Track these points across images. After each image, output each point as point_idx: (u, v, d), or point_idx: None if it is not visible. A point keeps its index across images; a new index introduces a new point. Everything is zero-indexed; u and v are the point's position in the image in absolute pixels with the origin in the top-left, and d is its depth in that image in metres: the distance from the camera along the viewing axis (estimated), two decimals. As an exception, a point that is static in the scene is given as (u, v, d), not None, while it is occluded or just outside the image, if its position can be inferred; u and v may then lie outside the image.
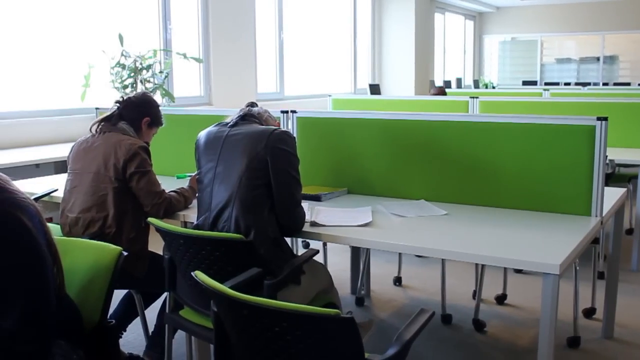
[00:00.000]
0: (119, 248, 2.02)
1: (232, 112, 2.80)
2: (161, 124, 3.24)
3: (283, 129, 2.62)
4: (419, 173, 3.30)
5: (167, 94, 6.14)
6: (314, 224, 2.68)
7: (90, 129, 3.05)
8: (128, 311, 3.23)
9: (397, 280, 4.55)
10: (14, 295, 1.66)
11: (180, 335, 3.12)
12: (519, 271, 4.63)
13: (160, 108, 3.25)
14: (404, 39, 11.48)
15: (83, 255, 2.06)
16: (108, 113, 3.08)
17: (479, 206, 3.10)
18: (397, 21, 11.51)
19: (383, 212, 2.96)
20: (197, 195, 2.69)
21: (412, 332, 1.77)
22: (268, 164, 2.48)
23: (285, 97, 8.90)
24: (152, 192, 2.90)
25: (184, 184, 3.18)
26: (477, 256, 2.36)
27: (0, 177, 1.78)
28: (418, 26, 11.57)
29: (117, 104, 3.11)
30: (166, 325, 2.80)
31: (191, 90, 7.34)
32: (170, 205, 2.93)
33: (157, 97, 6.07)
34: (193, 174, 3.17)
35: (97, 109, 4.77)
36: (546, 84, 14.19)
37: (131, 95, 3.21)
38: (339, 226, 2.66)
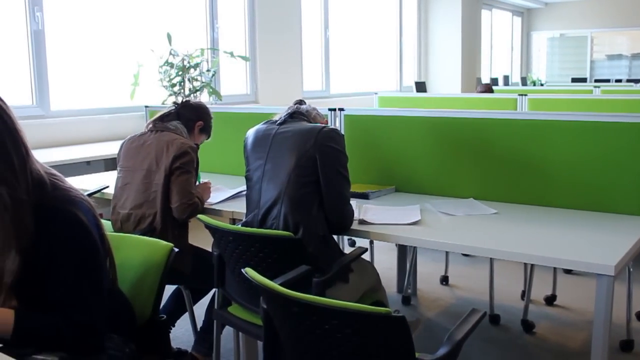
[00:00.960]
0: (170, 244, 2.04)
1: (278, 110, 2.81)
2: (209, 135, 3.32)
3: (332, 127, 2.61)
4: (467, 171, 3.26)
5: (214, 92, 6.20)
6: (362, 221, 2.67)
7: (146, 126, 3.12)
8: (177, 307, 3.26)
9: (444, 280, 4.51)
10: (69, 289, 1.70)
11: (227, 331, 3.15)
12: (568, 272, 4.54)
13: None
14: (450, 36, 11.37)
15: (135, 251, 2.09)
16: (165, 111, 3.14)
17: (530, 205, 3.04)
18: (444, 18, 11.41)
19: (431, 210, 2.93)
20: (246, 192, 2.70)
21: (464, 332, 1.75)
22: (317, 162, 2.47)
23: (330, 95, 8.90)
24: (186, 192, 2.92)
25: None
26: (528, 256, 2.31)
27: (55, 175, 1.81)
28: (465, 23, 11.45)
29: (175, 104, 3.18)
30: (215, 321, 2.82)
31: (238, 89, 7.40)
32: (196, 210, 2.95)
33: (205, 96, 6.14)
34: (205, 181, 3.24)
35: (146, 107, 4.85)
36: (596, 81, 13.88)
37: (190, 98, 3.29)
38: (387, 224, 2.65)
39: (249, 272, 1.80)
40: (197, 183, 3.20)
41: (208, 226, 2.54)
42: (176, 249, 2.03)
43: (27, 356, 1.62)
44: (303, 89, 8.16)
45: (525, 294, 3.88)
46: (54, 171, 1.82)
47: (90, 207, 1.80)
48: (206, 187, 3.18)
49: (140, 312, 2.01)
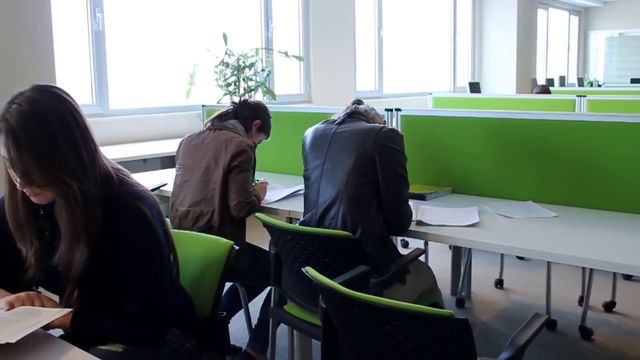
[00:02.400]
0: (231, 242, 2.06)
1: (332, 110, 2.81)
2: (268, 134, 3.34)
3: (390, 127, 2.60)
4: (526, 173, 3.20)
5: (269, 92, 6.23)
6: (419, 222, 2.65)
7: (205, 125, 3.16)
8: (232, 304, 3.30)
9: (499, 283, 4.44)
10: (134, 281, 1.73)
11: (281, 329, 3.16)
12: (628, 277, 4.43)
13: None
14: (505, 36, 11.20)
15: (195, 248, 2.12)
16: (223, 110, 3.18)
17: (590, 209, 2.97)
18: (499, 17, 11.24)
19: (489, 212, 2.89)
20: (304, 192, 2.71)
21: (527, 336, 1.72)
22: (375, 162, 2.47)
23: (383, 95, 8.86)
24: (244, 190, 2.95)
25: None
26: (587, 260, 2.27)
27: (121, 170, 1.86)
28: (520, 22, 11.26)
29: (234, 104, 3.22)
30: (270, 319, 2.83)
31: (291, 88, 7.43)
32: (253, 209, 2.98)
33: (259, 95, 6.18)
34: (261, 180, 3.25)
35: (203, 106, 4.91)
36: (657, 82, 13.48)
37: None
38: (445, 226, 2.62)
39: (310, 271, 1.81)
40: (254, 182, 3.23)
41: (266, 224, 2.56)
42: (237, 247, 2.05)
43: (92, 346, 1.66)
44: (356, 89, 8.14)
45: (583, 300, 3.80)
46: (120, 167, 1.86)
47: (154, 203, 1.83)
48: (263, 187, 3.20)
49: (201, 309, 2.04)
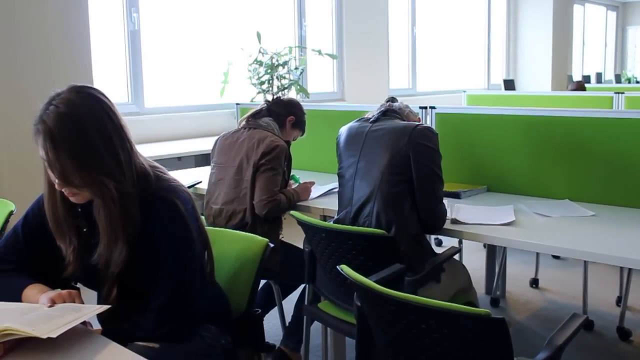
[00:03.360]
0: (266, 240, 2.07)
1: (366, 108, 2.81)
2: (303, 131, 3.34)
3: (425, 125, 2.59)
4: (563, 172, 3.16)
5: (302, 90, 6.25)
6: (454, 221, 2.63)
7: (239, 123, 3.18)
8: (266, 301, 3.31)
9: (534, 282, 4.39)
10: (165, 276, 1.75)
11: (315, 326, 3.17)
12: (668, 278, 4.34)
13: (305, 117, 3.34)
14: (540, 32, 11.05)
15: (231, 246, 2.13)
16: (257, 109, 3.20)
17: (629, 208, 2.92)
18: (534, 13, 11.09)
19: (525, 211, 2.86)
20: (338, 190, 2.71)
21: (565, 337, 1.70)
22: (410, 160, 2.46)
23: (417, 93, 8.82)
24: (268, 189, 2.96)
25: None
26: (626, 259, 2.23)
27: (158, 167, 1.88)
28: (556, 18, 11.09)
29: (267, 102, 3.24)
30: (304, 317, 2.84)
31: (325, 86, 7.43)
32: (278, 208, 2.98)
33: (292, 93, 6.20)
34: (306, 181, 3.25)
35: (237, 104, 4.93)
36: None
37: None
38: (481, 224, 2.60)
39: (345, 269, 1.81)
40: (295, 182, 3.24)
41: (301, 222, 2.57)
42: (272, 245, 2.06)
43: (130, 342, 1.68)
44: (389, 86, 8.11)
45: (621, 300, 3.74)
46: (156, 164, 1.88)
47: (189, 198, 1.85)
48: (306, 187, 3.20)
49: (236, 306, 2.05)
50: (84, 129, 1.66)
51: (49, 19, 4.49)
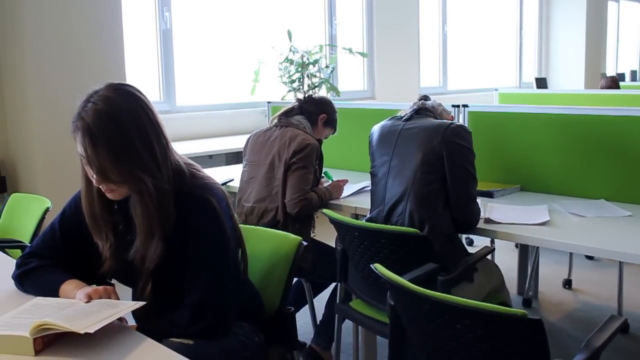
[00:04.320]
0: (299, 238, 2.07)
1: (397, 107, 2.79)
2: (335, 129, 3.34)
3: (459, 123, 2.57)
4: (598, 171, 3.11)
5: (333, 89, 6.24)
6: (488, 220, 2.61)
7: (271, 122, 3.19)
8: (297, 300, 3.31)
9: (567, 283, 4.34)
10: (200, 273, 1.76)
11: (346, 325, 3.17)
12: None
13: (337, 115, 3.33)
14: (573, 29, 10.89)
15: (263, 243, 2.14)
16: (288, 107, 3.21)
17: (668, 208, 2.87)
18: (567, 10, 10.94)
19: (560, 211, 2.83)
20: (370, 188, 2.71)
21: (603, 339, 1.67)
22: (443, 159, 2.44)
23: (448, 92, 8.75)
24: (299, 188, 2.96)
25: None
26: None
27: (192, 164, 1.89)
28: (589, 15, 10.93)
29: (298, 100, 3.24)
30: (336, 315, 2.84)
31: (355, 85, 7.41)
32: (309, 206, 2.98)
33: (323, 92, 6.19)
34: (337, 179, 3.24)
35: (269, 102, 4.95)
36: None
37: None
38: (514, 224, 2.57)
39: (379, 267, 1.80)
40: (327, 180, 3.24)
41: (333, 221, 2.56)
42: (305, 243, 2.06)
43: (164, 338, 1.69)
44: (420, 85, 8.07)
45: (657, 302, 3.68)
46: (190, 161, 1.90)
47: (224, 196, 1.86)
48: (338, 186, 3.20)
49: (269, 303, 2.06)
50: (122, 125, 1.68)
51: (83, 19, 4.55)
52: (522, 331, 1.55)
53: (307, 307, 3.26)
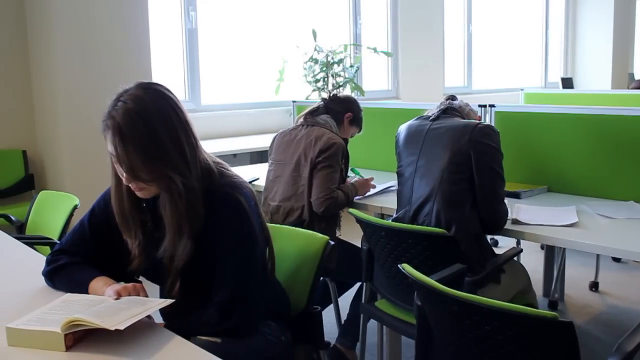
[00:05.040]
0: (326, 237, 2.07)
1: (421, 106, 2.78)
2: (360, 127, 3.34)
3: (486, 123, 2.55)
4: (627, 172, 3.07)
5: (357, 88, 6.24)
6: (515, 221, 2.58)
7: (297, 121, 3.19)
8: (321, 299, 3.31)
9: (594, 286, 4.29)
10: (228, 271, 1.76)
11: (370, 324, 3.16)
12: None
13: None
14: (600, 29, 10.76)
15: (291, 242, 2.14)
16: (314, 106, 3.21)
17: (698, 210, 2.82)
18: (594, 9, 10.81)
19: (588, 212, 2.79)
20: (397, 188, 2.70)
21: (635, 343, 1.65)
22: (471, 159, 2.42)
23: (472, 91, 8.69)
24: (325, 186, 2.96)
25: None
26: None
27: (221, 163, 1.90)
28: (617, 14, 10.78)
29: (324, 99, 3.24)
30: (361, 315, 2.83)
31: (379, 84, 7.40)
32: (335, 205, 2.98)
33: (347, 91, 6.19)
34: (364, 176, 3.23)
35: (294, 102, 4.95)
36: None
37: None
38: (542, 225, 2.55)
39: (407, 268, 1.79)
40: (355, 176, 3.24)
41: (359, 220, 2.56)
42: (332, 242, 2.06)
43: (192, 336, 1.69)
44: (444, 84, 8.03)
45: (686, 306, 3.62)
46: (219, 160, 1.90)
47: (252, 195, 1.86)
48: (365, 182, 3.19)
49: (295, 303, 2.06)
50: (152, 124, 1.69)
51: (111, 19, 4.59)
52: (553, 334, 1.53)
53: (331, 306, 3.26)
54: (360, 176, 3.31)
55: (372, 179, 3.26)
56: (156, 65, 4.94)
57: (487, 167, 2.44)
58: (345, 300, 3.27)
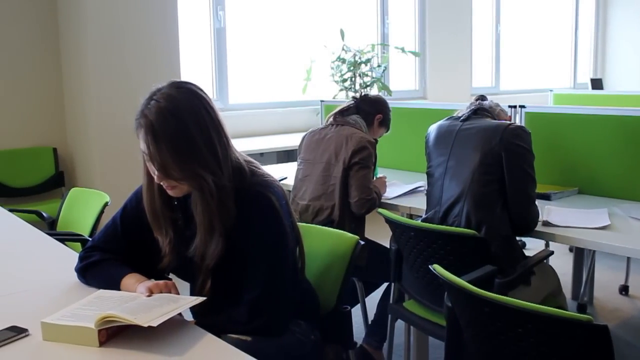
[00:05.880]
0: (356, 237, 2.07)
1: (448, 107, 2.76)
2: (389, 128, 3.33)
3: (518, 124, 2.53)
4: (661, 175, 3.02)
5: (384, 88, 6.23)
6: (546, 223, 2.56)
7: (327, 120, 3.19)
8: (348, 299, 3.30)
9: (624, 289, 4.23)
10: (258, 270, 1.76)
11: (397, 325, 3.14)
12: None
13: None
14: (631, 29, 10.59)
15: (320, 242, 2.14)
16: (344, 106, 3.21)
17: None
18: (625, 10, 10.65)
19: (620, 214, 2.76)
20: (427, 189, 2.68)
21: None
22: (502, 160, 2.40)
23: (500, 92, 8.62)
24: (364, 187, 2.95)
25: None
26: None
27: (252, 162, 1.90)
28: (648, 15, 10.63)
29: (354, 99, 3.24)
30: (389, 316, 2.83)
31: (406, 84, 7.37)
32: (373, 206, 2.98)
33: (374, 91, 6.18)
34: (381, 175, 3.22)
35: (322, 101, 4.95)
36: None
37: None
38: (574, 227, 2.52)
39: (437, 268, 1.78)
40: (375, 178, 3.23)
41: (389, 220, 2.55)
42: (362, 242, 2.05)
43: (223, 334, 1.70)
44: (472, 85, 7.97)
45: None
46: (250, 158, 1.91)
47: (283, 194, 1.86)
48: (382, 182, 3.20)
49: (325, 302, 2.06)
50: (184, 123, 1.70)
51: (141, 19, 4.64)
52: (586, 337, 1.51)
53: (358, 306, 3.25)
54: (377, 176, 3.30)
55: (384, 177, 3.26)
56: (185, 65, 4.98)
57: (518, 168, 2.42)
58: (372, 300, 3.26)
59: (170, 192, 1.79)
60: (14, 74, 4.75)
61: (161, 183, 1.77)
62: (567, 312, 1.51)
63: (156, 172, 1.74)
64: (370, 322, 3.21)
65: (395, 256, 2.65)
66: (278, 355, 1.78)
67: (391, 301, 2.77)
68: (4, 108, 4.74)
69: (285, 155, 5.23)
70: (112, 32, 4.55)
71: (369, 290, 3.31)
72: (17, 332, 1.54)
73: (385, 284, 3.16)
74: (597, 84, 9.91)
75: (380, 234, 3.26)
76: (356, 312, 3.32)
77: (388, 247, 2.91)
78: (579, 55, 10.55)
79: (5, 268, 2.17)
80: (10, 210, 3.03)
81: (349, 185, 2.97)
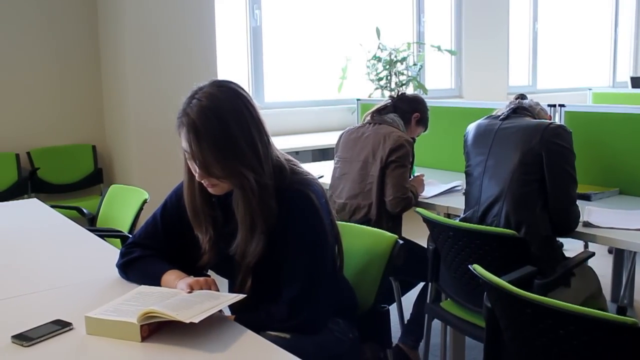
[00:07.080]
0: (395, 236, 2.06)
1: (485, 105, 2.73)
2: (427, 127, 3.32)
3: (558, 123, 2.50)
4: None
5: (420, 86, 6.19)
6: (586, 224, 2.52)
7: (364, 119, 3.19)
8: (384, 298, 3.30)
9: (665, 292, 4.15)
10: (298, 268, 1.77)
11: (433, 324, 3.12)
12: None
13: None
14: (673, 27, 10.39)
15: (359, 240, 2.14)
16: (382, 104, 3.20)
17: None
18: (666, 8, 10.45)
19: (663, 216, 2.70)
20: (465, 188, 2.67)
21: None
22: (542, 160, 2.37)
23: (537, 91, 8.51)
24: (400, 185, 2.94)
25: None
26: None
27: (292, 160, 1.90)
28: (692, 11, 10.39)
29: (392, 97, 3.23)
30: (426, 315, 2.81)
31: (442, 83, 7.32)
32: (409, 205, 2.97)
33: (410, 89, 6.15)
34: (418, 174, 3.20)
35: (358, 100, 4.94)
36: None
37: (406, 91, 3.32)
38: (615, 228, 2.48)
39: (477, 268, 1.77)
40: (412, 176, 3.22)
41: (426, 219, 2.54)
42: (401, 241, 2.05)
43: (262, 331, 1.71)
44: (509, 83, 7.89)
45: None
46: (290, 157, 1.91)
47: (323, 192, 1.86)
48: (420, 180, 3.18)
49: (362, 301, 2.05)
50: (226, 121, 1.71)
51: (179, 18, 4.69)
52: (633, 341, 1.48)
53: (393, 305, 3.24)
54: (414, 175, 3.29)
55: (422, 175, 3.24)
56: (221, 63, 5.01)
57: (559, 168, 2.39)
58: (408, 300, 3.25)
59: (211, 190, 1.80)
60: (56, 74, 4.84)
61: (202, 181, 1.78)
62: (611, 314, 1.48)
63: (198, 170, 1.75)
64: (406, 322, 3.20)
65: (432, 256, 2.64)
66: (316, 353, 1.78)
67: (428, 301, 2.76)
68: (46, 107, 4.84)
69: (321, 154, 5.23)
70: (150, 31, 4.61)
71: (405, 289, 3.29)
72: (61, 326, 1.58)
73: (422, 284, 3.15)
74: (637, 82, 9.72)
75: (416, 233, 3.24)
76: (392, 311, 3.30)
77: (424, 246, 2.90)
78: (619, 53, 10.36)
79: (49, 262, 2.22)
80: (52, 207, 3.08)
81: (385, 184, 2.96)
